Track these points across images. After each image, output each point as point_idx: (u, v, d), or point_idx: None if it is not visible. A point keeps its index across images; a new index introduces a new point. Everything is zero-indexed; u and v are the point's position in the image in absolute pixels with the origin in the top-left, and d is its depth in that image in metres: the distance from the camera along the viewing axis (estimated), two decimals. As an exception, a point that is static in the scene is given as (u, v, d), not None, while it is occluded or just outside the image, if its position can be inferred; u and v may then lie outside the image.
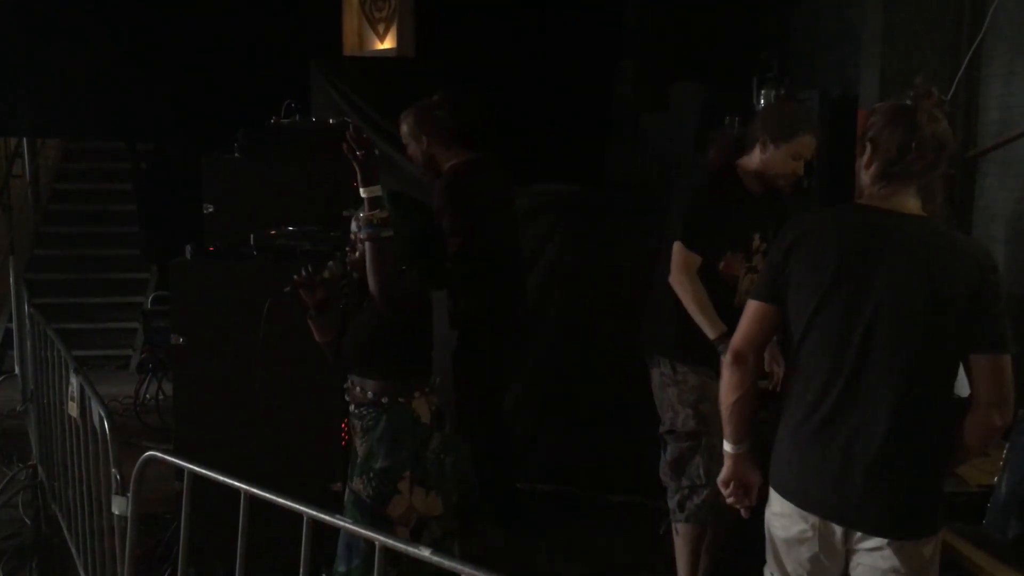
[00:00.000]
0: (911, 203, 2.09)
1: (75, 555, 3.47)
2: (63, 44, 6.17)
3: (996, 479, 2.44)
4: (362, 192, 2.51)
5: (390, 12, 5.54)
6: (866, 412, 2.03)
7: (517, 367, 4.29)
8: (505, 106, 4.81)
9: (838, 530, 2.08)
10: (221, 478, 2.26)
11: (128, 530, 2.57)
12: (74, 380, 3.18)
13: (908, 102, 2.08)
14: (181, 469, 2.42)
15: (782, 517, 2.16)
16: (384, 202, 2.52)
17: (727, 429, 2.26)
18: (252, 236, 3.50)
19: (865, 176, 2.13)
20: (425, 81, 4.60)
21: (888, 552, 2.04)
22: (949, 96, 3.60)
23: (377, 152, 2.61)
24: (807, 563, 2.14)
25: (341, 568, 2.68)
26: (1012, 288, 3.36)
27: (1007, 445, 2.46)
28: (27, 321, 4.41)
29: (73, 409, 3.19)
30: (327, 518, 2.05)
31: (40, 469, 4.26)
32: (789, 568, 2.19)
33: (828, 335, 2.06)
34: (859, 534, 2.06)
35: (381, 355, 2.67)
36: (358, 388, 2.70)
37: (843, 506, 2.06)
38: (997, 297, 2.02)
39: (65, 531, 3.66)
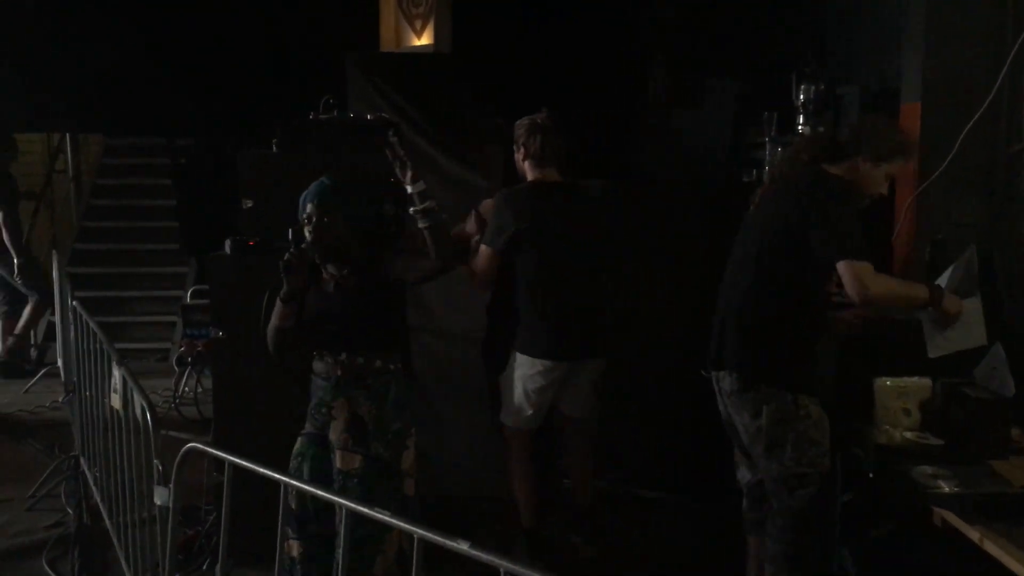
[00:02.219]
0: (556, 175, 3.61)
1: (116, 544, 3.53)
2: (104, 41, 6.25)
3: (1040, 480, 2.41)
4: (412, 188, 2.81)
5: (427, 8, 5.55)
6: (566, 295, 3.56)
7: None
8: (538, 101, 4.81)
9: (570, 368, 3.59)
10: (261, 470, 2.29)
11: (169, 520, 2.61)
12: (117, 372, 3.23)
13: (539, 120, 3.58)
14: (221, 461, 2.45)
15: (539, 375, 3.56)
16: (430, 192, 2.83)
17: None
18: (290, 230, 3.53)
19: (524, 165, 3.64)
20: (460, 77, 4.61)
21: (590, 367, 3.65)
22: (994, 91, 3.55)
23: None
24: (543, 403, 3.62)
25: (359, 531, 2.69)
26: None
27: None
28: (70, 314, 4.48)
29: (116, 401, 3.24)
30: (365, 510, 2.07)
31: (82, 460, 4.32)
32: (530, 412, 3.61)
33: (542, 258, 3.53)
34: (578, 362, 3.61)
35: (390, 327, 2.89)
36: (361, 359, 2.85)
37: (570, 347, 3.58)
38: (614, 222, 3.76)
39: (106, 521, 3.71)
